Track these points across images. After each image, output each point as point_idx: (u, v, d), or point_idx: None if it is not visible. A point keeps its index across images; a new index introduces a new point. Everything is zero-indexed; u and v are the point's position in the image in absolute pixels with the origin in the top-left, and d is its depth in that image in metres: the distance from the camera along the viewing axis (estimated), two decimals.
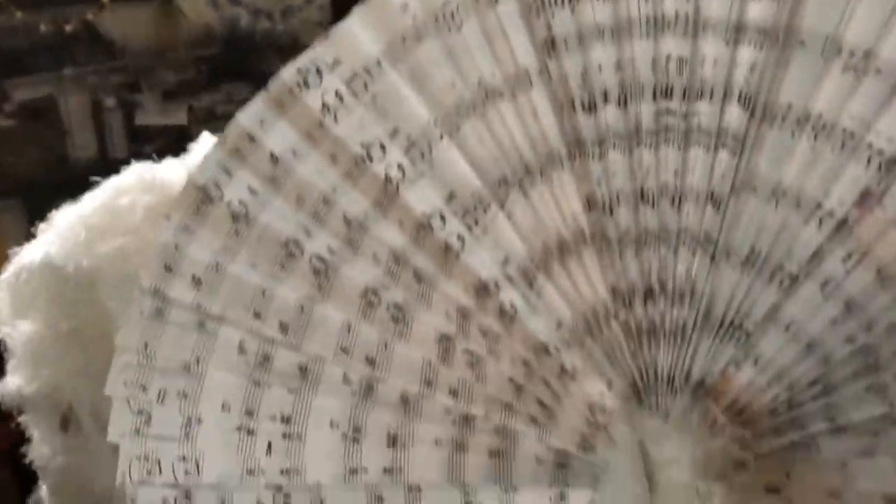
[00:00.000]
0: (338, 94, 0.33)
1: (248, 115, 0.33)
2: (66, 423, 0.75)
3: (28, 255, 0.69)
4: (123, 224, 0.60)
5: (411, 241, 0.35)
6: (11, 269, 0.68)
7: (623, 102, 0.34)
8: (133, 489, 0.38)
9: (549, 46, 0.34)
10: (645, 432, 0.34)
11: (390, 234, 0.34)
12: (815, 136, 0.32)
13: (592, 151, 0.34)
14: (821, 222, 0.33)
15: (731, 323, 0.35)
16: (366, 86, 0.33)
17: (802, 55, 0.32)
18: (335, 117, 0.33)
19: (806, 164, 0.33)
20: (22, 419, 0.74)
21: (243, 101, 0.33)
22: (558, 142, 0.34)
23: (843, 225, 0.33)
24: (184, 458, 0.36)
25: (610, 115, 0.34)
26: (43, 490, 0.77)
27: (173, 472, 0.37)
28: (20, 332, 0.69)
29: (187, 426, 0.36)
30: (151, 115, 1.67)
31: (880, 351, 0.35)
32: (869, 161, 0.32)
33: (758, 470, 0.37)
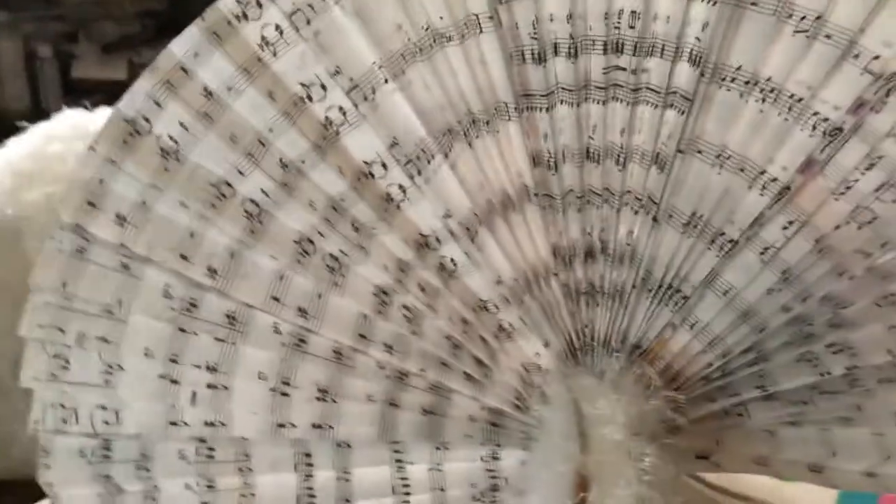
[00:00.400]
0: (278, 28, 0.32)
1: (181, 46, 0.31)
2: None
3: None
4: (53, 172, 0.57)
5: (350, 188, 0.33)
6: None
7: (573, 55, 0.33)
8: (46, 438, 0.36)
9: None
10: (580, 391, 0.34)
11: (328, 180, 0.33)
12: (763, 100, 0.32)
13: (540, 105, 0.33)
14: (764, 188, 0.33)
15: (670, 286, 0.35)
16: (308, 21, 0.32)
17: (755, 15, 0.32)
18: (274, 52, 0.32)
19: (752, 128, 0.33)
20: None
21: None
22: (506, 93, 0.33)
23: (785, 192, 0.33)
24: (103, 406, 0.35)
25: (560, 67, 0.33)
26: None
27: (91, 421, 0.35)
28: None
29: (107, 373, 0.34)
30: (89, 67, 1.61)
31: (814, 321, 0.36)
32: (814, 128, 0.32)
33: (689, 435, 0.37)
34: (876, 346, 0.35)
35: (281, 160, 0.33)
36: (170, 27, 0.31)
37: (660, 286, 0.35)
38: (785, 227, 0.34)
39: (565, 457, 0.32)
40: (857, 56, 0.32)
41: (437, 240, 0.34)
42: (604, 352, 0.36)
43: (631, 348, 0.36)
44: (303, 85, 0.32)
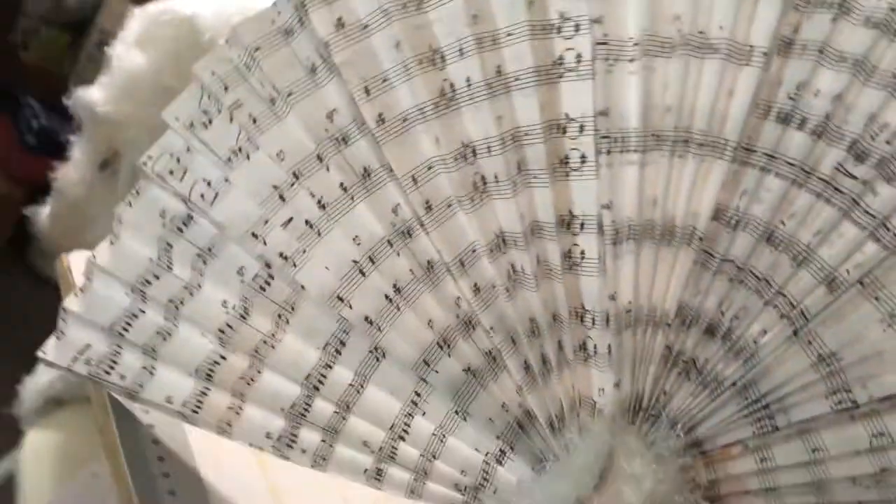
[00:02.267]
0: None
1: None
2: (105, 165, 0.75)
3: (181, 2, 0.69)
4: None
5: (541, 128, 0.33)
6: (161, 6, 0.69)
7: (816, 136, 0.31)
8: (146, 180, 0.36)
9: (785, 44, 0.32)
10: (622, 444, 0.31)
11: (527, 109, 0.33)
12: None
13: (757, 163, 0.32)
14: None
15: (767, 407, 0.32)
16: None
17: None
18: None
19: None
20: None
21: None
22: (734, 132, 0.32)
23: None
24: (210, 182, 0.35)
25: (796, 140, 0.31)
26: (46, 209, 0.77)
27: (192, 187, 0.35)
28: (130, 59, 0.70)
29: (235, 153, 0.34)
30: None
31: None
32: None
33: None
34: None
35: (499, 66, 0.33)
36: None
37: (758, 400, 0.32)
38: None
39: (575, 484, 0.29)
40: None
41: (582, 226, 0.33)
42: (665, 428, 0.33)
43: (693, 441, 0.33)
44: (561, 14, 0.32)
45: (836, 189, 0.31)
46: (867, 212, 0.31)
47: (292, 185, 0.34)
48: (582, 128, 0.33)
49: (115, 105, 0.71)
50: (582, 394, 0.34)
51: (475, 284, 0.34)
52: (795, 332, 0.32)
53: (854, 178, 0.31)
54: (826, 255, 0.31)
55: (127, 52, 0.70)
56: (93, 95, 0.71)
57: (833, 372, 0.31)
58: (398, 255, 0.34)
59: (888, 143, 0.30)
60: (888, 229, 0.31)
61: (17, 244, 1.11)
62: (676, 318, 0.33)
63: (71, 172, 0.75)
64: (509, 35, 0.32)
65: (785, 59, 0.31)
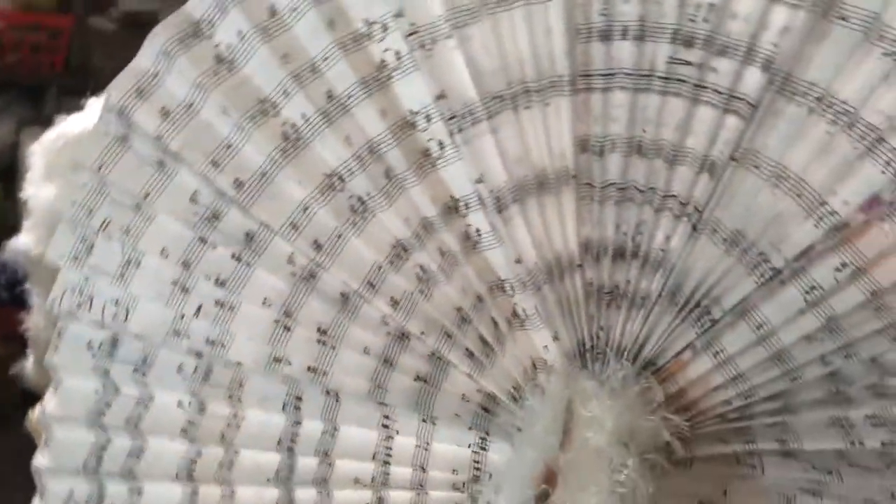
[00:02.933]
0: None
1: None
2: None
3: (71, 124, 0.70)
4: None
5: (390, 133, 0.33)
6: (53, 134, 0.70)
7: (640, 40, 0.31)
8: (62, 320, 0.37)
9: None
10: (576, 390, 0.32)
11: (370, 120, 0.33)
12: (835, 123, 0.30)
13: (598, 86, 0.32)
14: (820, 219, 0.31)
15: (699, 305, 0.33)
16: None
17: (841, 31, 0.30)
18: None
19: (818, 152, 0.30)
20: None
21: None
22: (565, 67, 0.32)
23: (843, 228, 0.31)
24: (116, 300, 0.36)
25: (625, 49, 0.32)
26: (30, 360, 0.78)
27: (103, 311, 0.36)
28: (42, 195, 0.70)
29: (125, 266, 0.35)
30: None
31: (854, 383, 0.32)
32: (888, 165, 0.30)
33: (693, 477, 0.34)
34: None
35: (328, 91, 0.33)
36: None
37: (687, 302, 0.33)
38: (838, 269, 0.31)
39: (541, 447, 0.30)
40: None
41: (466, 206, 0.34)
42: (615, 359, 0.33)
43: (644, 362, 0.33)
44: (365, 21, 0.32)
45: (679, 80, 0.31)
46: (715, 90, 0.31)
47: (188, 275, 0.35)
48: (428, 117, 0.33)
49: (44, 244, 0.72)
50: (531, 356, 0.35)
51: (392, 298, 0.34)
52: (695, 227, 0.32)
53: (690, 63, 0.31)
54: (694, 145, 0.32)
55: (37, 190, 0.71)
56: (22, 242, 0.72)
57: (745, 249, 0.32)
58: (310, 299, 0.35)
59: (706, 20, 0.30)
60: (740, 99, 0.31)
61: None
62: (585, 256, 0.34)
63: (36, 318, 0.76)
64: (325, 59, 0.33)
65: None
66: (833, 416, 0.33)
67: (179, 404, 0.37)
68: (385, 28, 0.32)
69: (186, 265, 0.34)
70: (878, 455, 0.32)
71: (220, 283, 0.35)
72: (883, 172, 0.30)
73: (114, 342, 0.37)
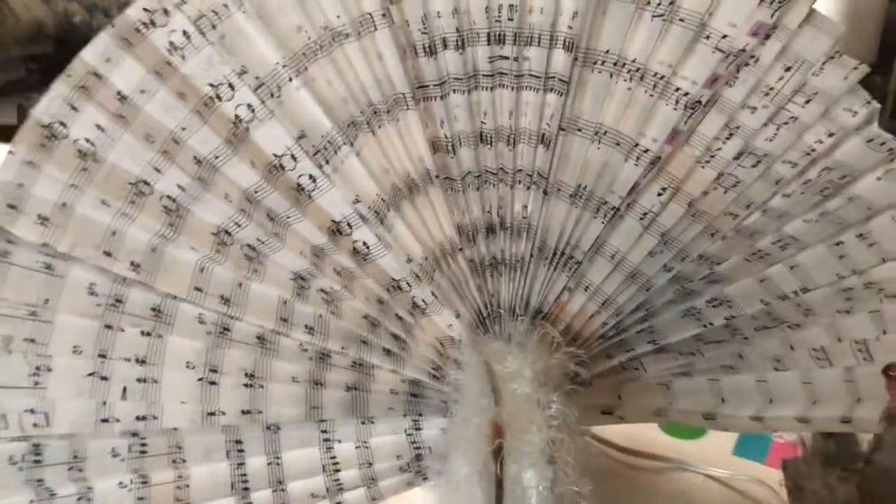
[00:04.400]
0: (185, 34, 0.34)
1: (93, 52, 0.33)
2: None
3: None
4: None
5: (263, 180, 0.36)
6: None
7: (461, 47, 0.36)
8: None
9: None
10: (490, 354, 0.37)
11: (242, 174, 0.35)
12: (631, 79, 0.36)
13: (435, 94, 0.37)
14: (638, 159, 0.37)
15: (563, 254, 0.39)
16: (213, 26, 0.34)
17: (617, 3, 0.36)
18: (183, 56, 0.34)
19: (623, 106, 0.37)
20: None
21: None
22: (403, 84, 0.36)
23: (656, 161, 0.37)
24: (32, 410, 0.36)
25: (449, 59, 0.36)
26: None
27: (20, 424, 0.36)
28: None
29: (36, 374, 0.35)
30: None
31: (693, 279, 0.40)
32: (677, 102, 0.37)
33: (593, 392, 0.40)
34: (749, 297, 0.39)
35: (195, 157, 0.35)
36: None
37: (554, 254, 0.38)
38: (660, 194, 0.38)
39: (480, 411, 0.35)
40: (708, 37, 0.36)
41: (349, 225, 0.37)
42: (510, 318, 0.39)
43: (534, 313, 0.39)
44: (211, 85, 0.34)
45: (501, 73, 0.36)
46: (531, 75, 0.37)
47: (104, 363, 0.36)
48: (294, 157, 0.36)
49: None
50: (439, 337, 0.39)
51: (306, 326, 0.37)
52: (545, 191, 0.38)
53: (506, 58, 0.36)
54: (526, 124, 0.37)
55: None
56: None
57: (587, 198, 0.38)
58: (230, 351, 0.37)
59: (510, 19, 0.36)
60: (553, 78, 0.37)
61: None
62: (462, 239, 0.38)
63: None
64: (184, 129, 0.34)
65: (398, 5, 0.36)
66: (684, 309, 0.40)
67: (121, 485, 0.37)
68: (232, 87, 0.35)
69: (101, 355, 0.35)
70: (724, 329, 0.40)
71: (138, 361, 0.36)
72: (675, 110, 0.37)
73: (38, 450, 0.37)
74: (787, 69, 0.37)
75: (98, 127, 0.33)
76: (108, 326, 0.35)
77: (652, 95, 0.37)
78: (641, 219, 0.38)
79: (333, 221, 0.37)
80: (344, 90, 0.36)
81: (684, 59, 0.36)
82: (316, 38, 0.35)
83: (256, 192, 0.36)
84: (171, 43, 0.34)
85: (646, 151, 0.37)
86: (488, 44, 0.36)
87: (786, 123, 0.38)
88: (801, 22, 0.36)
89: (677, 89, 0.37)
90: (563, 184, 0.38)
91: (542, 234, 0.38)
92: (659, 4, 0.36)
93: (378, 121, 0.36)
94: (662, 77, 0.36)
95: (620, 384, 0.41)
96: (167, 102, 0.34)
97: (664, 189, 0.38)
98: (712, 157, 0.38)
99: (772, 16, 0.36)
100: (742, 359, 0.41)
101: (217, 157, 0.35)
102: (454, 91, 0.37)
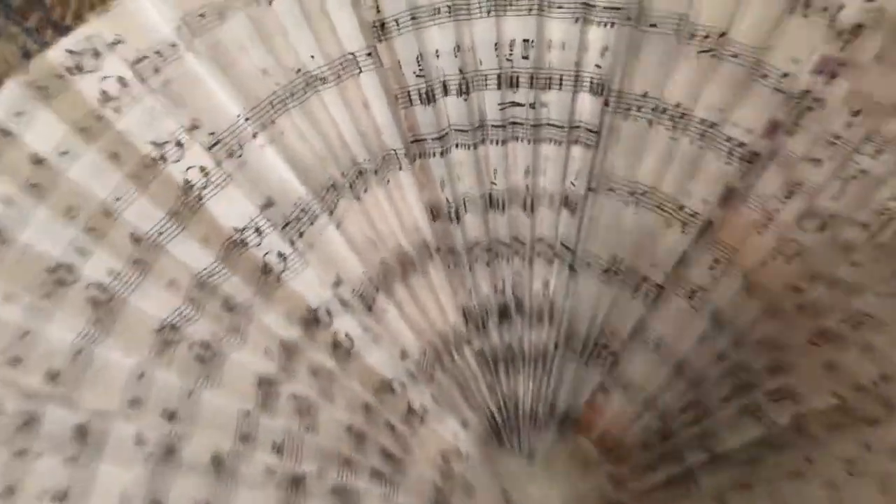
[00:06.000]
0: (121, 80, 0.27)
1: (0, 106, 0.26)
2: None
3: None
4: None
5: (219, 261, 0.28)
6: None
7: (464, 92, 0.29)
8: None
9: (379, 27, 0.29)
10: (507, 477, 0.29)
11: (192, 254, 0.28)
12: (674, 127, 0.30)
13: (433, 149, 0.30)
14: (684, 225, 0.30)
15: (596, 343, 0.31)
16: (156, 70, 0.27)
17: (655, 37, 0.29)
18: (117, 108, 0.27)
19: (664, 159, 0.30)
20: None
21: None
22: (394, 138, 0.29)
23: (708, 228, 0.30)
24: None
25: (451, 106, 0.29)
26: None
27: None
28: None
29: None
30: None
31: (752, 368, 0.33)
32: (730, 154, 0.30)
33: None
34: (817, 387, 0.32)
35: (132, 234, 0.27)
36: None
37: (585, 344, 0.31)
38: (711, 267, 0.31)
39: None
40: (765, 76, 0.29)
41: (328, 313, 0.30)
42: (531, 426, 0.31)
43: (561, 419, 0.31)
44: (154, 144, 0.27)
45: (512, 123, 0.30)
46: (551, 124, 0.30)
47: (12, 496, 0.28)
48: (258, 230, 0.29)
49: None
50: (442, 452, 0.31)
51: (273, 444, 0.30)
52: (572, 266, 0.30)
53: (520, 104, 0.30)
54: (546, 183, 0.30)
55: None
56: None
57: (624, 275, 0.31)
58: (177, 478, 0.29)
59: (524, 57, 0.29)
60: (578, 127, 0.30)
61: None
62: (469, 326, 0.31)
63: None
64: (118, 199, 0.27)
65: (388, 43, 0.29)
66: (743, 405, 0.33)
67: None
68: (180, 144, 0.28)
69: (10, 490, 0.27)
70: (790, 430, 0.33)
71: (58, 497, 0.28)
72: (727, 163, 0.30)
73: None
74: (856, 113, 0.30)
75: (5, 200, 0.26)
76: (20, 453, 0.27)
77: (699, 147, 0.30)
78: (690, 298, 0.31)
79: (309, 309, 0.29)
80: (321, 146, 0.29)
81: (737, 102, 0.30)
82: (286, 83, 0.28)
83: (211, 276, 0.28)
84: (103, 92, 0.27)
85: (694, 215, 0.30)
86: (498, 87, 0.29)
87: (854, 178, 0.31)
88: (872, 56, 0.30)
89: (729, 139, 0.30)
90: (593, 256, 0.31)
91: (568, 318, 0.31)
92: (706, 37, 0.29)
93: (364, 183, 0.29)
94: (712, 124, 0.30)
95: (669, 502, 0.33)
96: (96, 165, 0.27)
97: (717, 261, 0.31)
98: (770, 219, 0.31)
99: (841, 49, 0.29)
100: (810, 463, 0.33)
101: (160, 234, 0.28)
102: (457, 145, 0.30)
